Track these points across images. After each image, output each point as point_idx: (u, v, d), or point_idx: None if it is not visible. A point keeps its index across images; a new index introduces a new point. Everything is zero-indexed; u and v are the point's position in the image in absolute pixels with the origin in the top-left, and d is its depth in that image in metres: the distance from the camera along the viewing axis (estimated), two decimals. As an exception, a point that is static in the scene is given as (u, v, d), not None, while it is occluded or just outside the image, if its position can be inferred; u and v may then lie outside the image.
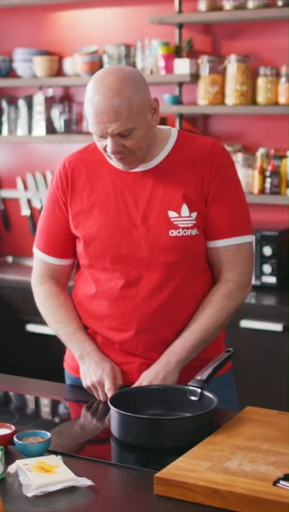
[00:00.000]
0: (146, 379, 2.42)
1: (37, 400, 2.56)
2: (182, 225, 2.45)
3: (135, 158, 2.41)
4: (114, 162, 2.44)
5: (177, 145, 2.51)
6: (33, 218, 5.33)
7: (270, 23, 4.53)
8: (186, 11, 4.65)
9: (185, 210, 2.45)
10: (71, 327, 2.55)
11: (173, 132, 2.54)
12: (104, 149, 2.40)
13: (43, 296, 2.62)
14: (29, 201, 5.37)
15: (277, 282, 4.37)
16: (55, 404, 2.54)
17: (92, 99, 2.33)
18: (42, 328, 4.54)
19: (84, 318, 2.59)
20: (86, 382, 2.49)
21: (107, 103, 2.31)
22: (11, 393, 2.61)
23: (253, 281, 4.32)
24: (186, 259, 2.48)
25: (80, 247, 2.55)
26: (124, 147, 2.37)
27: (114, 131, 2.33)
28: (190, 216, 2.45)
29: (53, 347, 4.38)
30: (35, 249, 2.66)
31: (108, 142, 2.36)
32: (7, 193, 5.48)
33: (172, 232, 2.45)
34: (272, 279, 4.36)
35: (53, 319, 2.60)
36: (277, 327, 4.06)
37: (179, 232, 2.45)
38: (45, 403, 2.55)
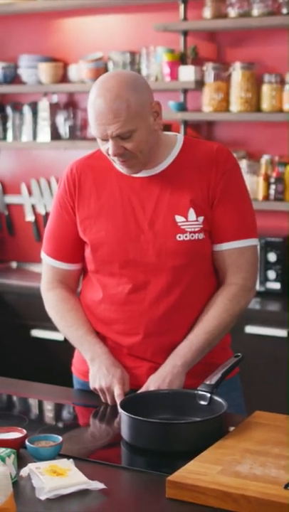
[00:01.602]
0: (153, 383, 2.44)
1: (46, 405, 2.57)
2: (189, 229, 2.47)
3: (137, 161, 2.43)
4: (118, 166, 2.47)
5: (183, 150, 2.53)
6: (37, 224, 5.34)
7: (275, 30, 4.55)
8: (191, 19, 4.68)
9: (192, 214, 2.47)
10: (82, 330, 2.57)
11: (179, 138, 2.56)
12: (108, 152, 2.43)
13: (54, 301, 2.64)
14: (33, 207, 5.39)
15: (282, 288, 4.38)
16: (64, 409, 2.56)
17: (94, 102, 2.38)
18: (46, 334, 4.55)
19: (93, 323, 2.60)
20: (94, 385, 2.51)
21: (106, 105, 2.34)
22: (20, 398, 2.62)
23: (258, 287, 4.35)
24: (193, 263, 2.50)
25: (87, 252, 2.57)
26: (125, 149, 2.39)
27: (114, 132, 2.36)
28: (197, 220, 2.47)
29: (58, 352, 4.42)
30: (43, 255, 2.68)
31: (109, 144, 2.39)
32: (11, 199, 5.50)
33: (179, 237, 2.47)
34: (276, 285, 4.37)
35: (63, 323, 2.61)
36: (282, 333, 4.08)
37: (186, 237, 2.47)
38: (54, 408, 2.56)
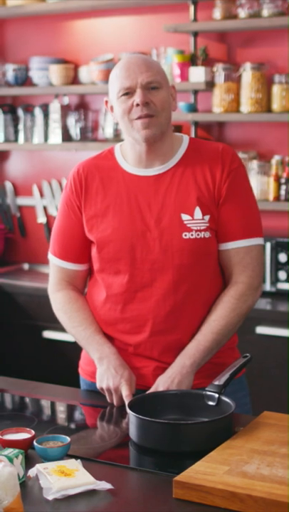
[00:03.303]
0: (162, 384, 2.44)
1: (54, 405, 2.58)
2: (195, 228, 2.48)
3: (157, 121, 2.47)
4: (137, 125, 2.47)
5: (189, 150, 2.56)
6: (49, 225, 5.36)
7: (285, 31, 4.54)
8: (201, 20, 4.68)
9: (198, 212, 2.49)
10: (90, 329, 2.58)
11: (185, 138, 2.60)
12: (130, 110, 2.46)
13: (61, 302, 2.65)
14: (45, 209, 5.41)
15: (293, 289, 4.37)
16: (72, 410, 2.56)
17: (121, 68, 2.47)
18: (58, 335, 4.57)
19: (99, 324, 2.61)
20: (101, 385, 2.51)
21: (138, 59, 2.48)
22: (30, 398, 2.63)
23: (268, 288, 4.34)
24: (199, 261, 2.51)
25: (93, 251, 2.59)
26: (151, 102, 2.45)
27: (145, 79, 2.44)
28: (203, 219, 2.49)
29: (69, 353, 4.43)
30: (50, 256, 2.69)
31: (136, 94, 2.45)
32: (23, 201, 5.52)
33: (186, 235, 2.48)
34: (287, 286, 4.36)
35: (71, 323, 2.62)
36: (293, 333, 4.07)
37: (192, 235, 2.48)
38: (62, 408, 2.56)
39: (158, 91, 2.46)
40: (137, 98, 2.44)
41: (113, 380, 2.48)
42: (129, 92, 2.46)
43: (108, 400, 2.51)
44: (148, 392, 2.44)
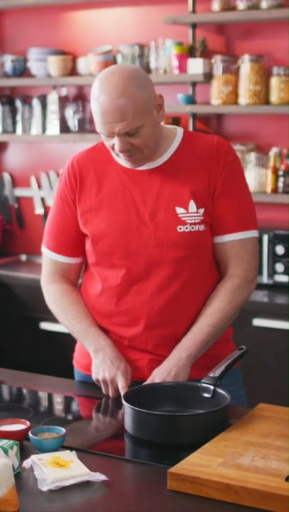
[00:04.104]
0: (158, 376, 2.45)
1: (51, 397, 2.58)
2: (190, 221, 2.48)
3: (143, 155, 2.45)
4: (122, 160, 2.48)
5: (183, 143, 2.55)
6: (46, 217, 5.33)
7: (284, 23, 4.53)
8: (200, 11, 4.67)
9: (192, 206, 2.48)
10: (85, 322, 2.58)
11: (179, 131, 2.58)
12: (112, 148, 2.44)
13: (55, 295, 2.64)
14: (43, 200, 5.41)
15: (290, 281, 4.38)
16: (68, 401, 2.56)
17: (98, 99, 2.37)
18: (55, 326, 4.57)
19: (93, 317, 2.61)
20: (97, 376, 2.51)
21: (113, 103, 2.34)
22: (26, 390, 2.63)
23: (266, 280, 4.34)
24: (194, 254, 2.51)
25: (88, 244, 2.58)
26: (131, 145, 2.41)
27: (121, 130, 2.36)
28: (197, 212, 2.49)
29: (66, 345, 4.43)
30: (44, 249, 2.68)
31: (115, 141, 2.40)
32: (21, 192, 5.51)
33: (180, 228, 2.48)
34: (284, 278, 4.36)
35: (65, 316, 2.62)
36: (290, 326, 4.08)
37: (186, 228, 2.48)
38: (58, 400, 2.57)
39: (138, 133, 2.38)
40: (116, 146, 2.40)
41: (109, 372, 2.48)
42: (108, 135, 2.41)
43: (104, 391, 2.51)
44: (144, 384, 2.44)
